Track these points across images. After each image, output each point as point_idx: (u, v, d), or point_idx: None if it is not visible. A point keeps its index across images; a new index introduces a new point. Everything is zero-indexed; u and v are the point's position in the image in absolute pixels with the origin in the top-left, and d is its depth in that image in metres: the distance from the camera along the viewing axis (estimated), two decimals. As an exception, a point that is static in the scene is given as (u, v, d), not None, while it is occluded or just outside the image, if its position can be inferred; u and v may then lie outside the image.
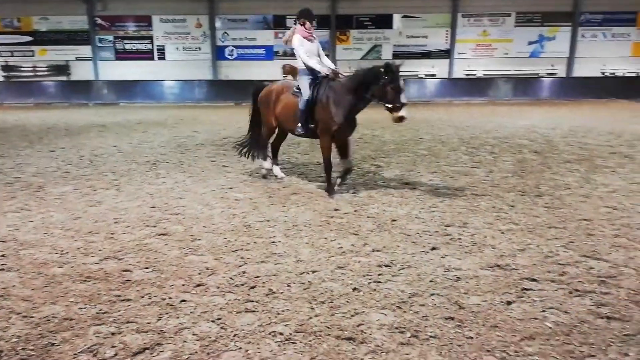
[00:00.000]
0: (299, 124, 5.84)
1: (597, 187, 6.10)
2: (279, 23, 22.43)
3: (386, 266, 3.72)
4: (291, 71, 19.44)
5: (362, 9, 21.94)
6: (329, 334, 2.76)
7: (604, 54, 21.26)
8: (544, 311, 3.00)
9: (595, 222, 4.72)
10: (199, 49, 23.11)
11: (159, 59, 23.38)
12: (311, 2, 22.57)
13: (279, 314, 2.99)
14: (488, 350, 2.58)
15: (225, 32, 22.92)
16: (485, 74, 21.98)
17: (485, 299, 3.16)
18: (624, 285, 3.33)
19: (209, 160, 8.20)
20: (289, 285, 3.39)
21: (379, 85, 5.26)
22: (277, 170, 6.77)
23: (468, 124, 12.93)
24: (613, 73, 21.45)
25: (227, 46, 23.02)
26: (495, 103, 20.36)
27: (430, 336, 2.73)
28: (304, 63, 5.82)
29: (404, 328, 2.82)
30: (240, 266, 3.73)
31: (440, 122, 13.48)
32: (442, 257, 3.88)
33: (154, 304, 3.13)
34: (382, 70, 5.23)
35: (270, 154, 6.73)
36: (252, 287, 3.36)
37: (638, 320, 2.87)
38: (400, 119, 5.26)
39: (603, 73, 21.53)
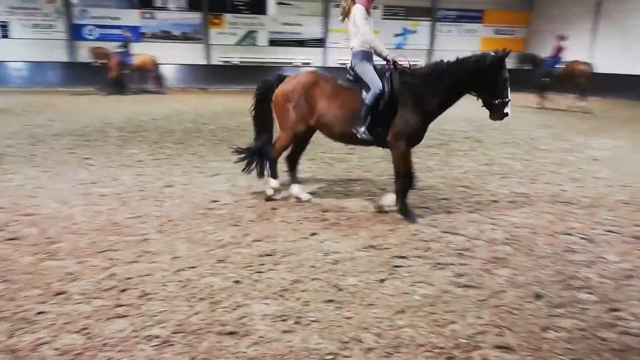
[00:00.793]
0: (363, 126, 4.43)
1: (453, 168, 6.78)
2: (146, 2, 20.89)
3: (268, 255, 3.72)
4: (103, 56, 16.66)
5: (236, -8, 21.48)
6: (210, 331, 2.67)
7: (458, 48, 23.48)
8: (412, 285, 3.25)
9: (453, 200, 5.24)
10: (51, 26, 20.57)
11: (3, 37, 20.33)
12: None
13: (154, 316, 2.81)
14: (365, 328, 2.72)
15: (84, 10, 20.71)
16: (356, 64, 23.06)
17: (361, 279, 3.32)
18: (478, 256, 3.76)
19: (68, 152, 7.38)
20: (165, 285, 3.20)
21: (490, 78, 4.25)
22: (298, 190, 5.15)
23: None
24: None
25: (86, 25, 20.84)
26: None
27: (312, 321, 2.80)
28: (369, 43, 4.49)
29: (286, 316, 2.85)
30: (108, 269, 3.43)
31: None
32: (322, 242, 3.99)
33: (4, 319, 2.73)
34: (498, 59, 4.20)
35: (286, 169, 5.28)
36: (123, 291, 3.11)
37: (489, 286, 3.26)
38: (504, 116, 4.41)
39: (456, 65, 23.96)
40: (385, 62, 4.57)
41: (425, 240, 4.07)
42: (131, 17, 20.97)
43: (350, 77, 4.64)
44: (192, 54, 21.58)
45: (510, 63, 4.45)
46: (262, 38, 22.13)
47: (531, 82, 15.33)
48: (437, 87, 4.37)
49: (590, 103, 14.43)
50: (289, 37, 22.30)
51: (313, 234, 4.16)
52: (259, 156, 5.12)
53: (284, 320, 2.80)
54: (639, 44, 18.07)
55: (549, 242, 4.10)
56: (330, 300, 3.02)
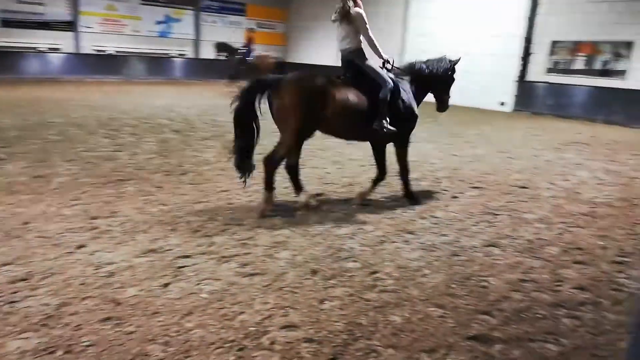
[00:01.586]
0: (384, 120, 4.69)
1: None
2: None
3: (22, 280, 3.12)
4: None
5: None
6: (-55, 391, 2.10)
7: (224, 39, 23.90)
8: (199, 284, 3.19)
9: (233, 191, 5.33)
10: None
11: None
12: None
13: None
14: (151, 340, 2.55)
15: None
16: (117, 51, 21.09)
17: (142, 288, 3.09)
18: (260, 244, 3.91)
19: None
20: None
21: (449, 79, 5.45)
22: (305, 196, 4.95)
23: (104, 104, 12.19)
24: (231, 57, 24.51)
25: None
26: (130, 82, 19.91)
27: (87, 345, 2.48)
28: (371, 44, 4.83)
29: (53, 347, 2.45)
30: None
31: (72, 103, 12.16)
32: (91, 255, 3.56)
33: None
34: (455, 64, 5.39)
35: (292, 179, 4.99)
36: None
37: (272, 271, 3.43)
38: (448, 108, 5.66)
39: (224, 56, 24.27)
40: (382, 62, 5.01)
41: (208, 235, 4.03)
42: None
43: (349, 75, 4.84)
44: None
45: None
46: (-9, 17, 18.23)
47: (227, 70, 16.71)
48: (421, 87, 5.22)
49: (190, 84, 16.81)
50: (29, 18, 18.92)
51: (80, 247, 3.67)
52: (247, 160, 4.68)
53: (51, 352, 2.41)
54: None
55: (319, 220, 4.55)
56: (108, 318, 2.73)
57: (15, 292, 2.96)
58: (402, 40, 19.30)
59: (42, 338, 2.52)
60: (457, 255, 3.92)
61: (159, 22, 22.11)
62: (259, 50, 16.64)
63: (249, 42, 16.13)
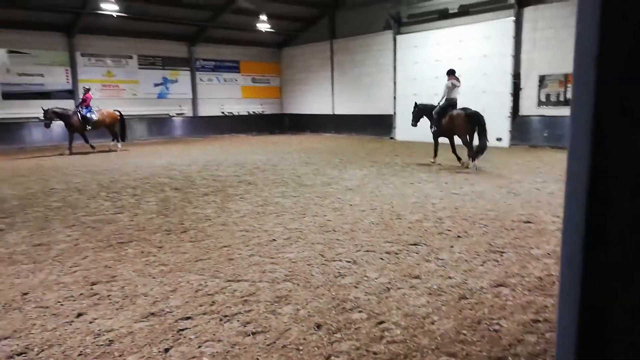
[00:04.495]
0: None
1: (232, 214, 6.87)
2: None
3: (20, 354, 3.03)
4: None
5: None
6: None
7: (221, 96, 24.49)
8: (200, 347, 3.08)
9: (234, 246, 5.28)
10: None
11: None
12: None
13: None
14: (152, 412, 2.44)
15: None
16: (117, 115, 21.62)
17: (142, 355, 2.99)
18: (262, 299, 3.83)
19: None
20: None
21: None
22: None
23: (105, 168, 12.34)
24: (230, 112, 25.01)
25: None
26: (132, 144, 20.26)
27: (85, 423, 2.36)
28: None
29: None
30: None
31: (72, 168, 12.32)
32: (91, 323, 3.47)
33: None
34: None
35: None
36: None
37: (275, 328, 3.33)
38: None
39: (222, 112, 24.80)
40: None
41: (209, 294, 3.95)
42: None
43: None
44: None
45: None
46: (-6, 90, 18.78)
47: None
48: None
49: (190, 142, 16.71)
50: (29, 89, 19.48)
51: (79, 315, 3.59)
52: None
53: None
54: (363, 90, 21.95)
55: (322, 270, 4.47)
56: (107, 391, 2.62)
57: (11, 369, 2.87)
58: (394, 86, 19.80)
59: (38, 417, 2.41)
60: (466, 299, 3.81)
61: (157, 84, 22.76)
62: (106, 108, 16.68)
63: (86, 100, 15.78)
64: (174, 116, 23.32)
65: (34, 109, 19.43)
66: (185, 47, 23.28)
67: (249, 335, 3.23)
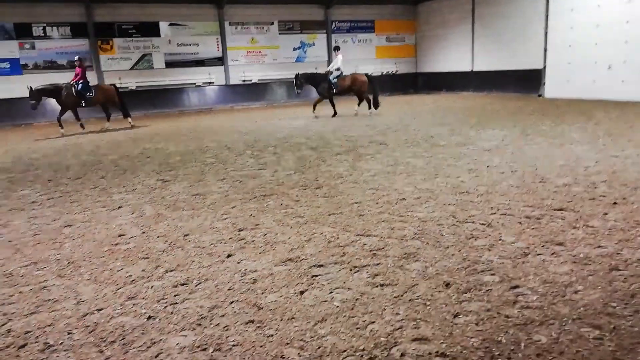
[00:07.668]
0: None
1: (363, 172, 7.01)
2: (23, 32, 19.28)
3: (182, 285, 3.57)
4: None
5: (124, 16, 20.53)
6: (124, 375, 2.49)
7: (355, 57, 24.55)
8: (331, 292, 3.29)
9: (364, 203, 5.41)
10: None
11: None
12: (62, 9, 19.82)
13: (58, 370, 2.57)
14: (287, 343, 2.70)
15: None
16: (260, 80, 23.08)
17: (281, 295, 3.30)
18: (390, 254, 3.90)
19: (-56, 202, 6.56)
20: (69, 333, 2.94)
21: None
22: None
23: (251, 128, 13.39)
24: (366, 73, 24.99)
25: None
26: (272, 106, 21.61)
27: (233, 345, 2.72)
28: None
29: (206, 345, 2.74)
30: (4, 325, 3.09)
31: (224, 129, 13.62)
32: (238, 263, 3.91)
33: None
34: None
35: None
36: (22, 347, 2.82)
37: (403, 282, 3.39)
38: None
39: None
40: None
41: (340, 246, 4.14)
42: (9, 48, 19.24)
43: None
44: (82, 82, 20.20)
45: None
46: (158, 60, 21.39)
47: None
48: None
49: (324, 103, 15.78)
50: (187, 58, 21.78)
51: (229, 256, 4.07)
52: None
53: (203, 349, 2.70)
54: (508, 44, 20.05)
55: (453, 231, 4.37)
56: (251, 321, 2.97)
57: (176, 295, 3.40)
58: (545, 37, 17.77)
59: (197, 336, 2.84)
60: (618, 270, 3.42)
61: (295, 49, 23.63)
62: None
63: (79, 74, 13.96)
64: (310, 79, 24.06)
65: (191, 76, 21.81)
66: (322, 10, 23.64)
67: (377, 286, 3.34)
